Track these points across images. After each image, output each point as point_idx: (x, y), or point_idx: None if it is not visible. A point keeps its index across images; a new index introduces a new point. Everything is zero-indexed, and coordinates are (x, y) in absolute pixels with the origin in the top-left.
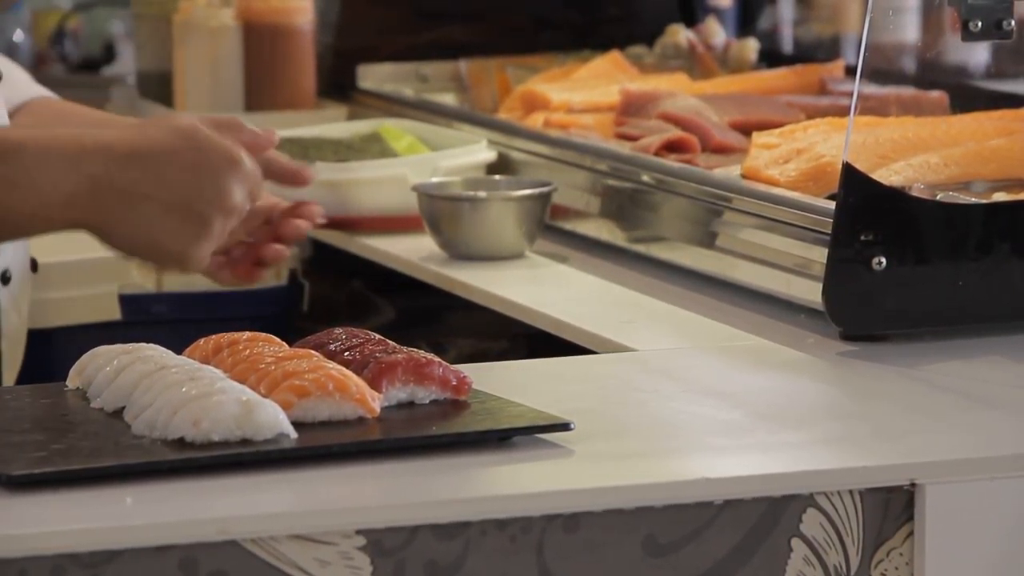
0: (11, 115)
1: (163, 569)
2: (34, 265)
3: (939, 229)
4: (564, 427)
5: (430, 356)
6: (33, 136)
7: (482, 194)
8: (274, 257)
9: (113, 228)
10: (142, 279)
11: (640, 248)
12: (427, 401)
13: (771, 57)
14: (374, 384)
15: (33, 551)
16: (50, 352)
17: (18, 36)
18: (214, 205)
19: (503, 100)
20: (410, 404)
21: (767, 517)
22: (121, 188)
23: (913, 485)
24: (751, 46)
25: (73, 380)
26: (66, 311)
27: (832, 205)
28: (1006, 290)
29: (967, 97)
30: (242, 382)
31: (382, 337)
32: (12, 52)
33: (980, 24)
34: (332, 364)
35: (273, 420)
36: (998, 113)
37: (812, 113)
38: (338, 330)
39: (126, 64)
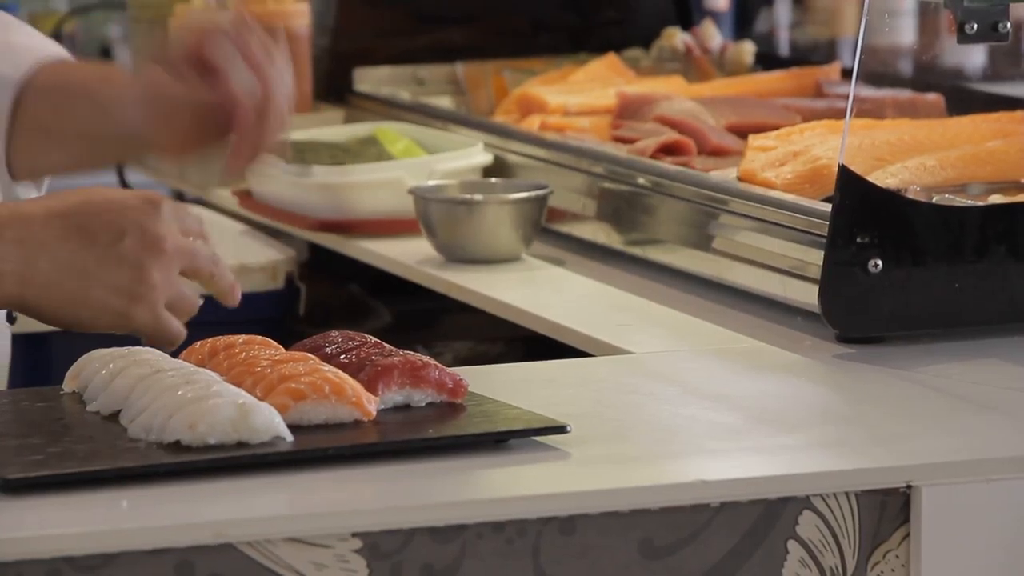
0: (22, 90)
1: (159, 572)
2: (10, 317)
3: (935, 231)
4: (560, 430)
5: (426, 359)
6: None
7: (478, 197)
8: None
9: (48, 292)
10: None
11: (636, 251)
12: (423, 404)
13: (767, 60)
14: (370, 387)
15: (29, 554)
16: (46, 355)
17: None
18: (141, 245)
19: (499, 103)
20: (406, 407)
21: (763, 520)
22: (46, 246)
23: (909, 487)
24: (747, 49)
25: (69, 383)
26: None
27: (828, 208)
28: (1002, 292)
29: (963, 99)
30: (238, 385)
31: (378, 340)
32: None
33: (976, 27)
34: (328, 367)
35: (269, 423)
36: (994, 115)
37: (808, 116)
38: (334, 333)
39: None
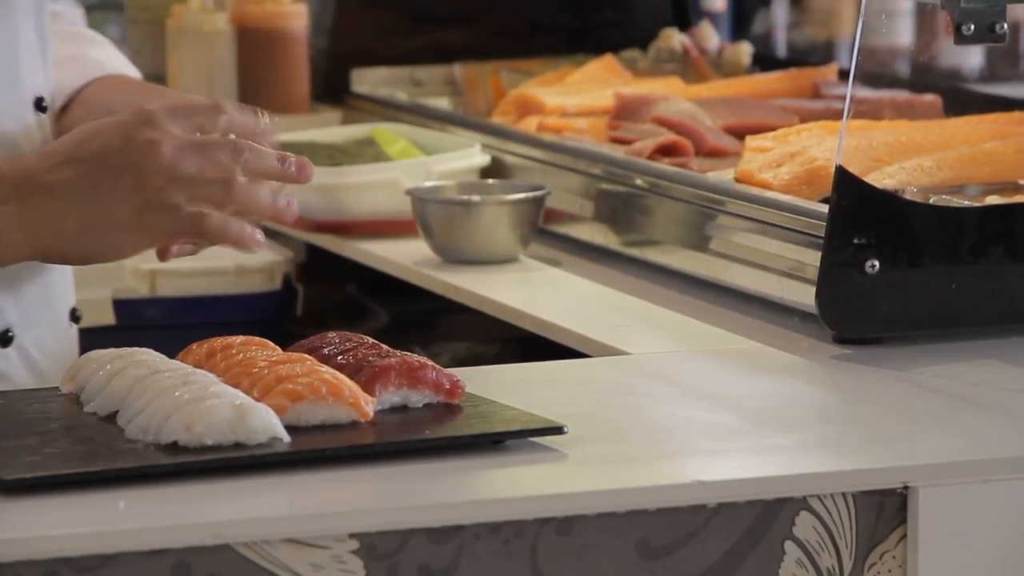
0: (70, 98)
1: (157, 573)
2: (74, 316)
3: (932, 232)
4: (557, 431)
5: (423, 360)
6: None
7: (476, 198)
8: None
9: (56, 229)
10: (136, 283)
11: (634, 252)
12: (420, 405)
13: (765, 61)
14: (367, 388)
15: (27, 555)
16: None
17: None
18: (135, 154)
19: (497, 104)
20: (403, 408)
21: (760, 520)
22: (40, 186)
23: (906, 488)
24: (745, 50)
25: (66, 385)
26: None
27: (825, 208)
28: (999, 293)
29: (960, 100)
30: (235, 386)
31: (376, 341)
32: None
33: (973, 27)
34: (326, 368)
35: (266, 424)
36: (991, 116)
37: (806, 117)
38: (332, 334)
39: None
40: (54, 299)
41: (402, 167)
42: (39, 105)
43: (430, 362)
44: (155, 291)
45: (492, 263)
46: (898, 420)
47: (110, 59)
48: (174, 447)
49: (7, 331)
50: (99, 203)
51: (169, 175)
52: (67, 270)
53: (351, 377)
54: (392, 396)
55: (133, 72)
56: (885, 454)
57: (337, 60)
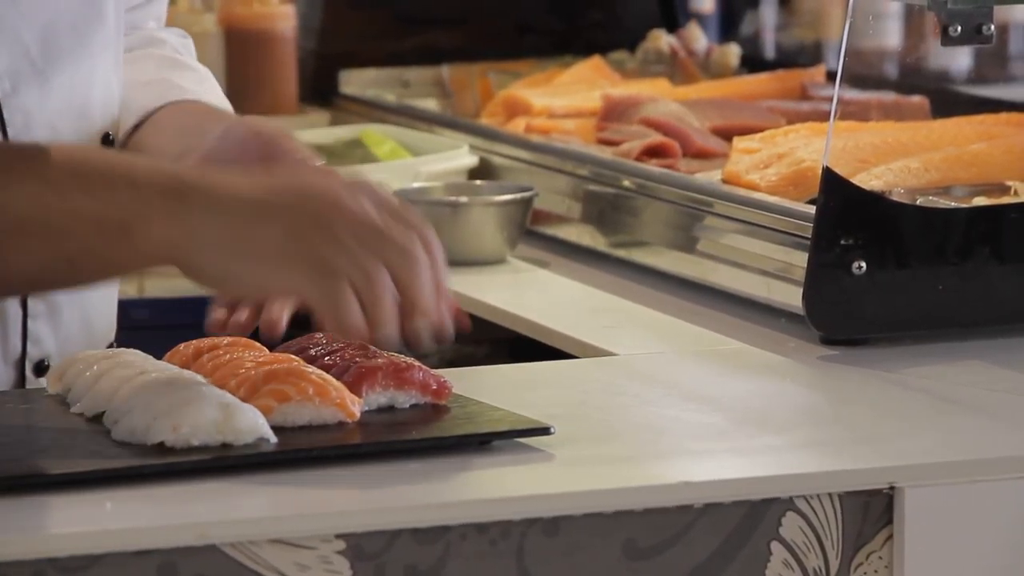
0: (143, 119)
1: (143, 574)
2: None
3: (919, 233)
4: (544, 431)
5: (410, 361)
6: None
7: (463, 199)
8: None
9: (204, 234)
10: (124, 284)
11: (621, 253)
12: (407, 406)
13: (753, 62)
14: (354, 388)
15: (13, 556)
16: None
17: None
18: (322, 205)
19: (485, 105)
20: (390, 408)
21: (747, 521)
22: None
23: (892, 488)
24: (733, 51)
25: (53, 385)
26: None
27: (812, 210)
28: (986, 294)
29: (948, 102)
30: (222, 387)
31: (363, 342)
32: None
33: (960, 29)
34: (312, 369)
35: (253, 425)
36: (978, 118)
37: (793, 118)
38: (319, 335)
39: None
40: (94, 332)
41: (390, 168)
42: (106, 140)
43: (417, 363)
44: (143, 292)
45: (480, 264)
46: (884, 421)
47: (196, 87)
48: (160, 448)
49: (43, 360)
50: (255, 230)
51: (340, 241)
52: (111, 304)
53: (338, 378)
54: (379, 396)
55: (220, 101)
56: (871, 454)
57: (325, 61)
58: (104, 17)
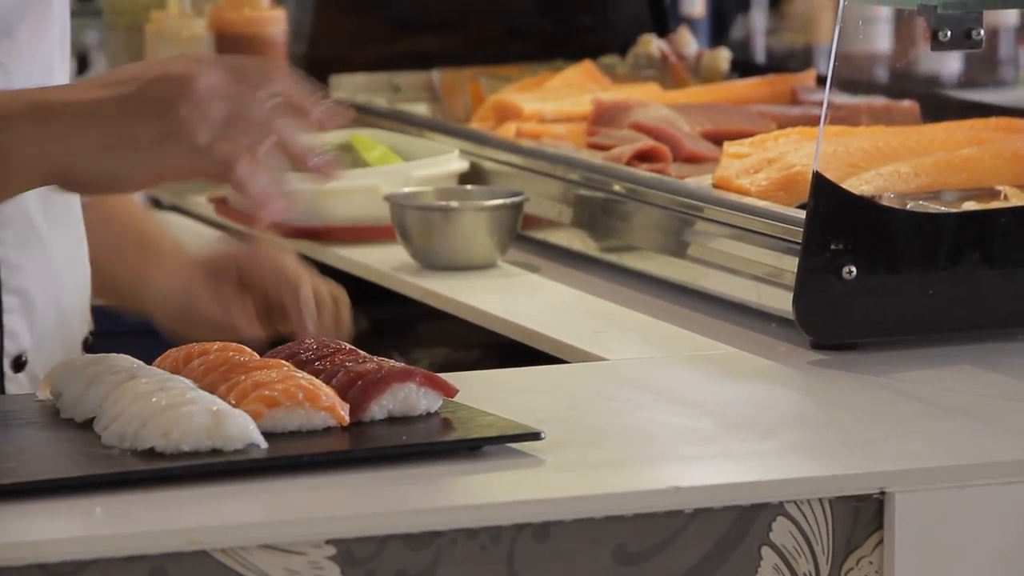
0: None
1: None
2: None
3: (909, 238)
4: (535, 436)
5: (407, 367)
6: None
7: (454, 204)
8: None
9: (70, 145)
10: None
11: (612, 258)
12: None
13: (743, 67)
14: (360, 403)
15: (2, 562)
16: None
17: None
18: (166, 87)
19: (475, 110)
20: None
21: (737, 526)
22: (67, 101)
23: (883, 493)
24: (723, 56)
25: (43, 391)
26: None
27: (803, 214)
28: (976, 299)
29: (937, 106)
30: (212, 392)
31: (353, 347)
32: None
33: (950, 34)
34: (302, 374)
35: (243, 430)
36: (968, 122)
37: (783, 123)
38: (309, 340)
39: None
40: (70, 327)
41: (380, 173)
42: None
43: (412, 367)
44: None
45: (470, 269)
46: (875, 425)
47: None
48: (151, 453)
49: (20, 356)
50: (120, 124)
51: (198, 109)
52: (84, 298)
53: (327, 383)
54: (380, 411)
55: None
56: (862, 459)
57: (315, 66)
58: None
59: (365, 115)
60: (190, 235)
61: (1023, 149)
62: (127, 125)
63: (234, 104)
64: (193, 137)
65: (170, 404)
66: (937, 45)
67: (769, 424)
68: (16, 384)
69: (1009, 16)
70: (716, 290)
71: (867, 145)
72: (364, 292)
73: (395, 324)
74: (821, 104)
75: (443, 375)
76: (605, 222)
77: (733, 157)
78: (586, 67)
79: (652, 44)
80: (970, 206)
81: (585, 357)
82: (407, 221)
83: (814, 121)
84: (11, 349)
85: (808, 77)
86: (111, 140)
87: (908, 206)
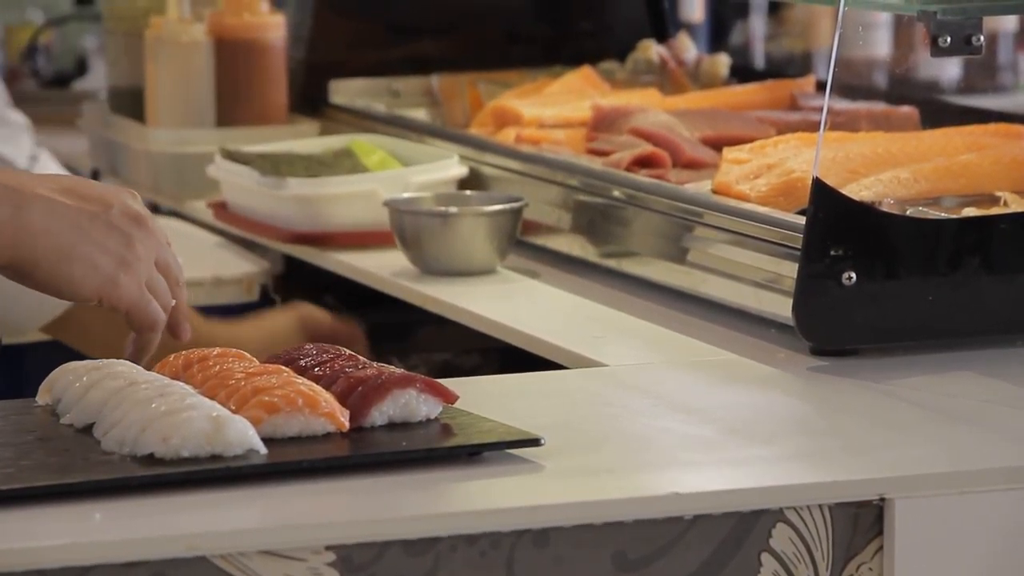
0: None
1: None
2: None
3: (909, 244)
4: (534, 442)
5: (404, 372)
6: None
7: (453, 209)
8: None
9: (40, 241)
10: None
11: (611, 263)
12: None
13: (742, 72)
14: (361, 408)
15: (2, 568)
16: (20, 368)
17: None
18: (128, 217)
19: (475, 115)
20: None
21: (737, 532)
22: (39, 198)
23: (882, 500)
24: (722, 61)
25: (43, 396)
26: None
27: (802, 220)
28: (976, 305)
29: (937, 112)
30: (212, 398)
31: (352, 353)
32: None
33: (949, 40)
34: (302, 380)
35: (243, 436)
36: (968, 128)
37: (783, 128)
38: (308, 345)
39: (99, 79)
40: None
41: (380, 178)
42: None
43: (413, 375)
44: None
45: (470, 275)
46: (875, 432)
47: None
48: (150, 459)
49: None
50: (88, 241)
51: (147, 253)
52: None
53: (327, 388)
54: (381, 416)
55: (18, 161)
56: (861, 466)
57: (315, 71)
58: None
59: (364, 120)
60: (189, 240)
61: (1022, 155)
62: (93, 242)
63: (160, 252)
64: (141, 277)
65: (170, 410)
66: (937, 51)
67: (769, 430)
68: None
69: (1008, 22)
70: (716, 296)
71: (867, 151)
72: (363, 297)
73: (394, 329)
74: (821, 110)
75: (443, 381)
76: (604, 228)
77: (733, 163)
78: (585, 72)
79: (651, 50)
80: (970, 212)
81: (585, 363)
82: (406, 226)
83: (814, 127)
84: None
85: (807, 83)
86: (79, 253)
87: (908, 212)
